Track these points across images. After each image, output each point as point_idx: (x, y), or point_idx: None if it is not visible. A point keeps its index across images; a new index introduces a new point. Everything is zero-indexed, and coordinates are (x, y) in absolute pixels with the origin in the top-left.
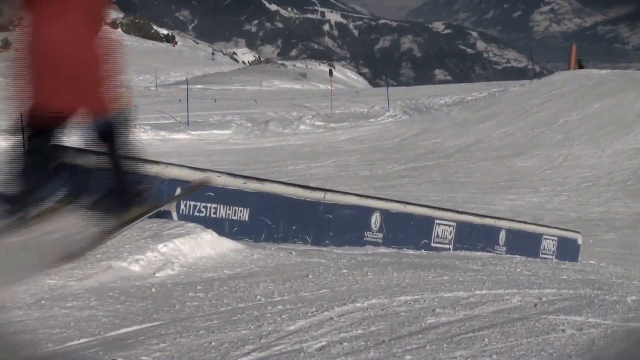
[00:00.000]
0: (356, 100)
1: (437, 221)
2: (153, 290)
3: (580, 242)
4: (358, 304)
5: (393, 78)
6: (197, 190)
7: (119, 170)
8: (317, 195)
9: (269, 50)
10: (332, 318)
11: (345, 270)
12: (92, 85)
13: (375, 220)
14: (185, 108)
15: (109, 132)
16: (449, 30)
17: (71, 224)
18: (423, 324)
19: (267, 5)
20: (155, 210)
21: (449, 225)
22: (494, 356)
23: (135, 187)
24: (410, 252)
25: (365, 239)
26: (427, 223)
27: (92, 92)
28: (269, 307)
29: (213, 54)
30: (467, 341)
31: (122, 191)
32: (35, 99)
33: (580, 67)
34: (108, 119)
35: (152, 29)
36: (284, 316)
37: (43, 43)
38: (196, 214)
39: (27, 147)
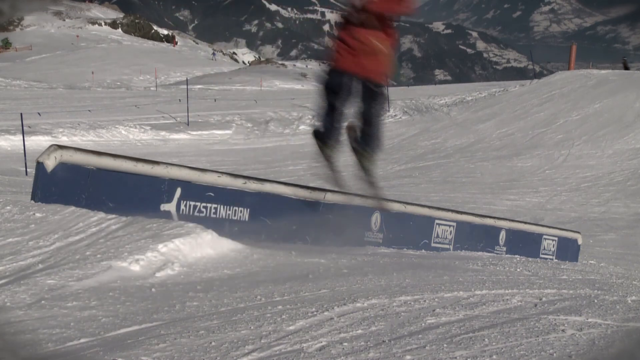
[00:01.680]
0: None
1: (437, 221)
2: (153, 290)
3: (580, 242)
4: (358, 304)
5: (393, 78)
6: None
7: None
8: (317, 195)
9: (269, 51)
10: (332, 318)
11: (346, 270)
12: (380, 64)
13: (375, 220)
14: (185, 108)
15: (376, 94)
16: (449, 30)
17: None
18: (423, 324)
19: (267, 5)
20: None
21: (449, 226)
22: (494, 356)
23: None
24: (410, 252)
25: (365, 239)
26: (427, 223)
27: (379, 68)
28: (269, 307)
29: (214, 54)
30: (467, 341)
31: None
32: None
33: (626, 68)
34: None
35: (152, 29)
36: (284, 316)
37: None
38: (196, 214)
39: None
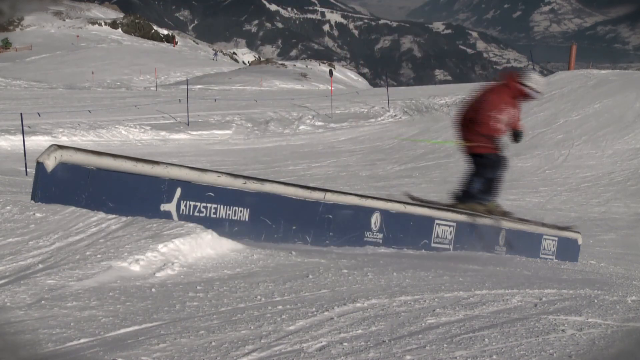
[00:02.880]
0: (356, 100)
1: (437, 221)
2: (153, 290)
3: (580, 242)
4: (358, 304)
5: (393, 78)
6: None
7: (488, 182)
8: (317, 195)
9: (269, 51)
10: (332, 318)
11: (346, 271)
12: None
13: (375, 220)
14: (185, 108)
15: (496, 161)
16: (449, 30)
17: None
18: (423, 324)
19: (267, 5)
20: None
21: (449, 226)
22: (494, 356)
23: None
24: (410, 252)
25: (365, 239)
26: (427, 223)
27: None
28: (269, 307)
29: (215, 54)
30: (467, 341)
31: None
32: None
33: None
34: (496, 155)
35: (152, 29)
36: (284, 316)
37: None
38: (196, 214)
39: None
